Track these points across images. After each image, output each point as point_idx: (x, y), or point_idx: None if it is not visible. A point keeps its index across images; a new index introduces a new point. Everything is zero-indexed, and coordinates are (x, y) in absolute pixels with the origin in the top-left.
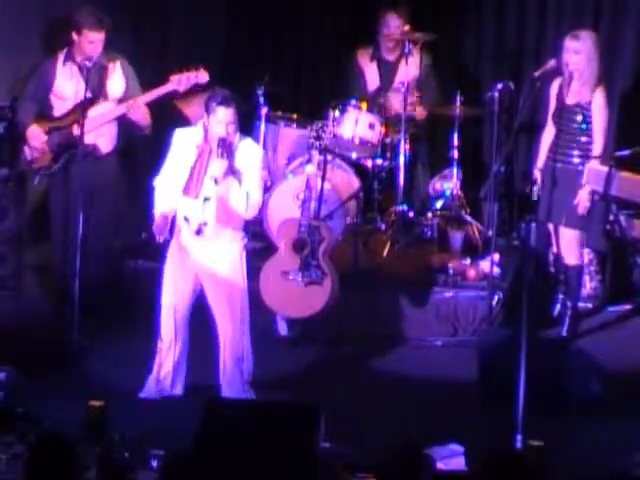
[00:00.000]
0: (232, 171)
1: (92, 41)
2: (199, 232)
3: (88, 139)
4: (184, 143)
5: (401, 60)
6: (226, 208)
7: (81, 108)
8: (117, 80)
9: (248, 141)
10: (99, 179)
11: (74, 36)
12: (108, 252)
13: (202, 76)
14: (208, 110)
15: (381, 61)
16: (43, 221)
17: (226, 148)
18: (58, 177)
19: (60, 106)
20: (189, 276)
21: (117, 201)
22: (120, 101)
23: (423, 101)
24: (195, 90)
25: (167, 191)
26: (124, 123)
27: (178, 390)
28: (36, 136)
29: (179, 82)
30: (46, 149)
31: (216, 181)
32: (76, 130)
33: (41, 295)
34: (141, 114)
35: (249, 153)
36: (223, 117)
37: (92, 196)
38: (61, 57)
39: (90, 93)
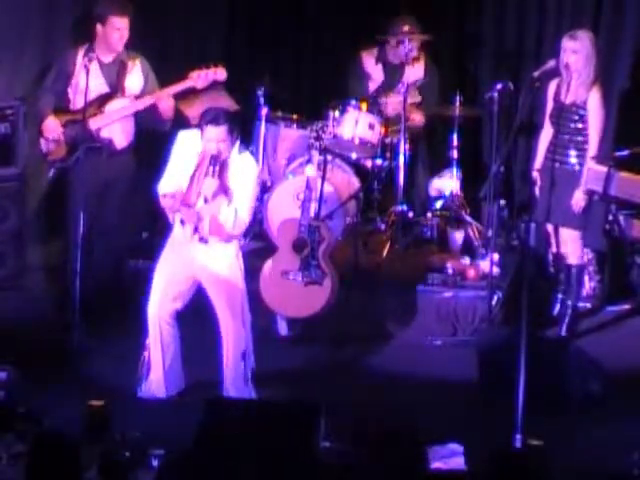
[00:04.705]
0: (223, 190)
1: (118, 28)
2: (196, 231)
3: (104, 134)
4: (187, 146)
5: (407, 63)
6: (216, 223)
7: (97, 103)
8: (136, 77)
9: (245, 156)
10: (111, 175)
11: (98, 28)
12: (112, 251)
13: (220, 73)
14: (200, 127)
15: (387, 64)
16: (45, 220)
17: (218, 166)
18: (74, 172)
19: (78, 100)
20: (181, 278)
21: (125, 199)
22: (138, 98)
23: (422, 106)
24: (195, 91)
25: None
26: (142, 120)
27: (172, 392)
28: (51, 129)
29: (198, 78)
30: (62, 141)
31: (206, 200)
32: (92, 124)
33: (42, 295)
34: (168, 105)
35: (244, 169)
36: (213, 135)
37: (103, 192)
38: (82, 51)
39: (108, 88)
